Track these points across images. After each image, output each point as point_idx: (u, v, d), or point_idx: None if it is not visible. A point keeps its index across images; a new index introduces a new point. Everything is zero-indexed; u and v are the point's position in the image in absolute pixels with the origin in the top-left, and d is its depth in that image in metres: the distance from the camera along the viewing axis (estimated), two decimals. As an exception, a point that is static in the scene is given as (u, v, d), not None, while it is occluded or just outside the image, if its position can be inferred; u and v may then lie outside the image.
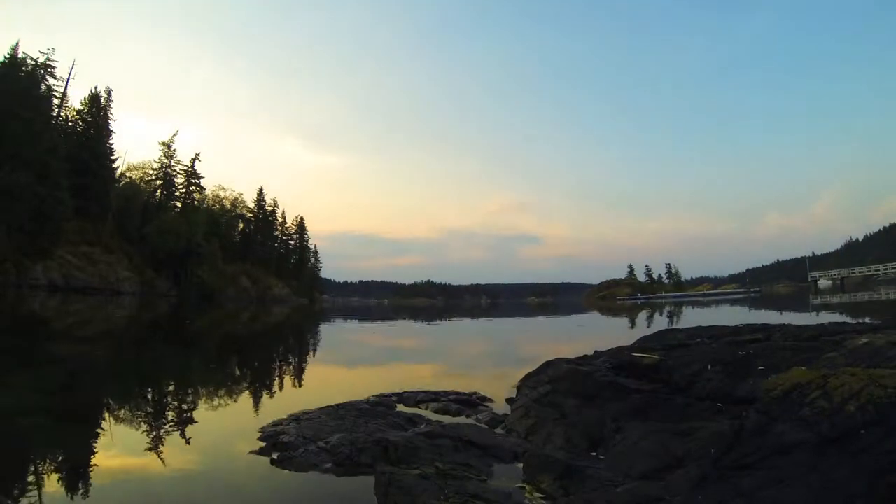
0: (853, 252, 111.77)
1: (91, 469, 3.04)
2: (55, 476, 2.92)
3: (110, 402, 5.00)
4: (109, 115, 42.30)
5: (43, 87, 35.56)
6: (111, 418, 4.33)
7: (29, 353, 7.15)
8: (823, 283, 53.62)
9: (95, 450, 3.41)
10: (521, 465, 3.14)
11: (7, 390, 4.79)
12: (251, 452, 3.35)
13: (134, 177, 50.37)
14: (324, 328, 19.52)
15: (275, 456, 3.22)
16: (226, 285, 49.43)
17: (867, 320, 5.65)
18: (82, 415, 4.36)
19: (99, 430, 3.91)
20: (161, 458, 3.31)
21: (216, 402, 5.35)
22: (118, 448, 3.45)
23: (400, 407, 4.82)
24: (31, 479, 2.86)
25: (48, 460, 3.21)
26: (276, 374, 7.85)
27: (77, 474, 2.96)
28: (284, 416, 4.10)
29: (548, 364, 5.38)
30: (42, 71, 36.03)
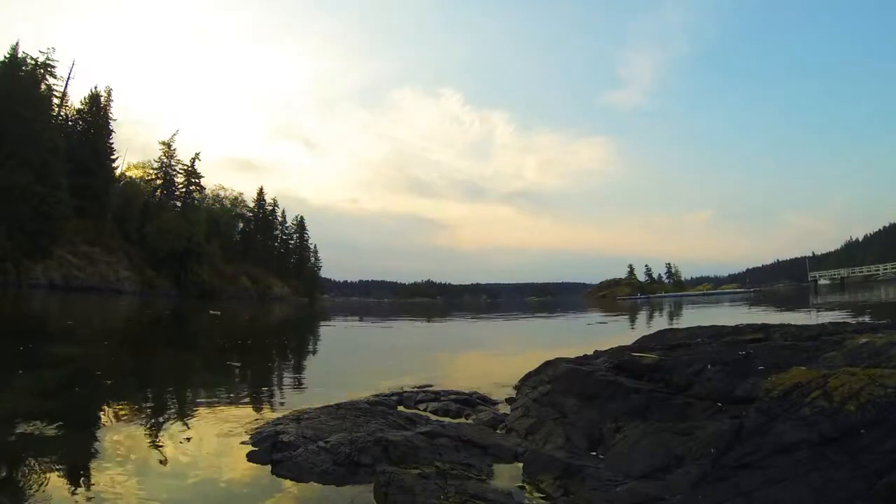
0: (853, 252, 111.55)
1: (91, 471, 3.04)
2: (55, 479, 2.90)
3: (110, 404, 4.97)
4: (109, 115, 42.33)
5: (43, 87, 35.57)
6: (111, 421, 4.31)
7: (28, 354, 7.12)
8: (823, 283, 53.57)
9: (95, 453, 3.40)
10: (521, 465, 3.14)
11: (8, 393, 4.76)
12: (251, 452, 3.35)
13: (134, 176, 50.43)
14: (324, 328, 19.53)
15: (275, 456, 3.22)
16: (226, 285, 49.40)
17: (867, 320, 5.65)
18: (82, 418, 4.34)
19: (99, 433, 3.90)
20: (161, 459, 3.32)
21: (216, 402, 5.35)
22: (118, 450, 3.45)
23: (400, 407, 4.83)
24: (31, 482, 2.85)
25: (48, 464, 3.18)
26: (276, 373, 7.85)
27: (77, 477, 2.95)
28: (284, 416, 4.11)
29: (547, 364, 5.39)
30: (42, 71, 36.04)
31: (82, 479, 2.91)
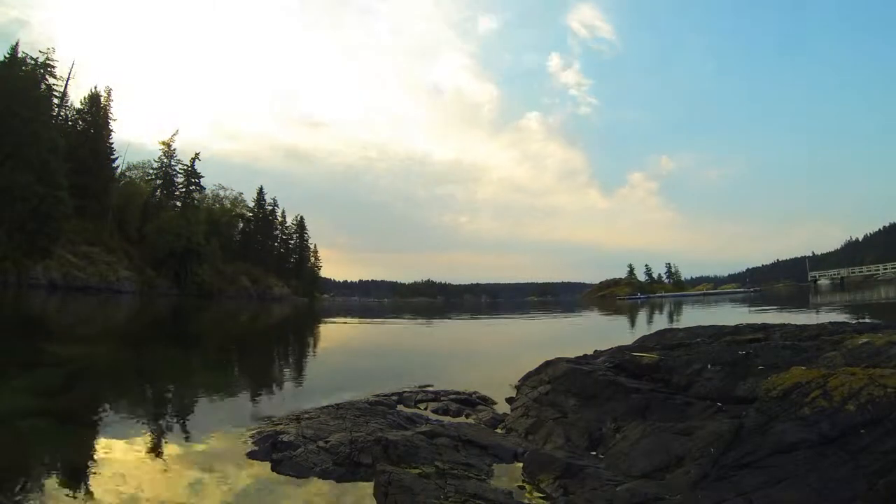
0: (853, 252, 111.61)
1: (91, 471, 3.03)
2: (55, 479, 2.90)
3: (110, 403, 4.98)
4: (109, 115, 42.31)
5: (43, 87, 35.55)
6: (111, 420, 4.30)
7: (29, 354, 7.10)
8: (823, 283, 53.56)
9: (95, 452, 3.39)
10: (520, 465, 3.14)
11: (8, 392, 4.75)
12: (252, 451, 3.35)
13: (134, 176, 50.40)
14: (323, 328, 19.52)
15: (275, 455, 3.22)
16: (226, 284, 49.41)
17: (867, 320, 5.65)
18: (82, 417, 4.33)
19: (99, 433, 3.89)
20: (161, 459, 3.32)
21: (216, 402, 5.35)
22: (118, 450, 3.44)
23: (400, 407, 4.83)
24: (31, 481, 2.85)
25: (48, 463, 3.18)
26: (276, 373, 7.84)
27: (76, 477, 2.94)
28: (284, 416, 4.11)
29: (547, 363, 5.38)
30: (42, 70, 36.03)
31: (82, 479, 2.91)
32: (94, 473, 2.98)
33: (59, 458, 3.29)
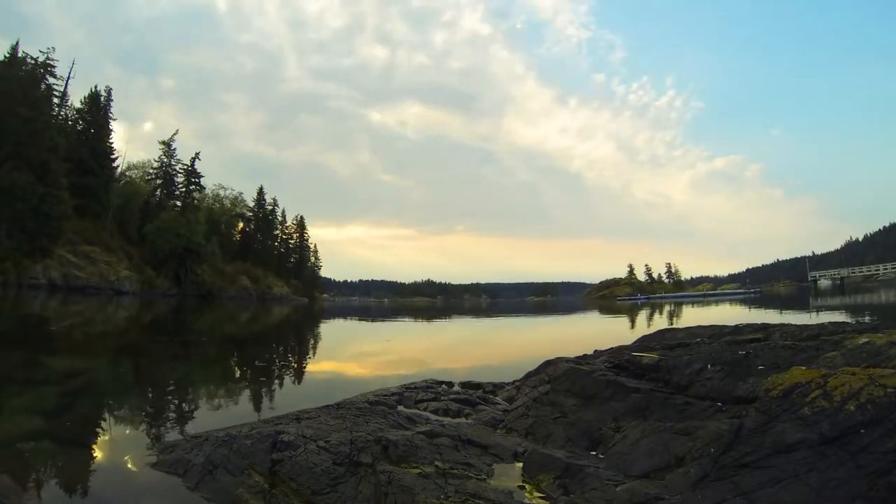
0: (853, 252, 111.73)
1: (95, 494, 2.98)
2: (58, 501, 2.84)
3: (113, 420, 4.84)
4: (109, 115, 42.36)
5: (43, 87, 35.56)
6: (114, 438, 4.19)
7: (28, 368, 6.84)
8: (823, 283, 53.60)
9: (99, 472, 3.33)
10: (520, 465, 3.14)
11: (7, 413, 4.57)
12: (251, 453, 3.34)
13: (134, 176, 50.42)
14: (324, 327, 19.53)
15: (275, 455, 3.22)
16: (226, 284, 49.44)
17: (867, 320, 5.65)
18: (84, 437, 4.15)
19: (102, 454, 3.78)
20: (162, 468, 3.31)
21: (216, 406, 5.36)
22: (121, 465, 3.41)
23: (400, 406, 4.82)
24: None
25: (51, 489, 3.09)
26: (276, 373, 7.85)
27: (81, 500, 2.90)
28: (284, 415, 4.10)
29: (547, 363, 5.38)
30: (42, 70, 36.04)
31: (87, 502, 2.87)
32: (97, 496, 2.94)
33: (61, 484, 3.17)
